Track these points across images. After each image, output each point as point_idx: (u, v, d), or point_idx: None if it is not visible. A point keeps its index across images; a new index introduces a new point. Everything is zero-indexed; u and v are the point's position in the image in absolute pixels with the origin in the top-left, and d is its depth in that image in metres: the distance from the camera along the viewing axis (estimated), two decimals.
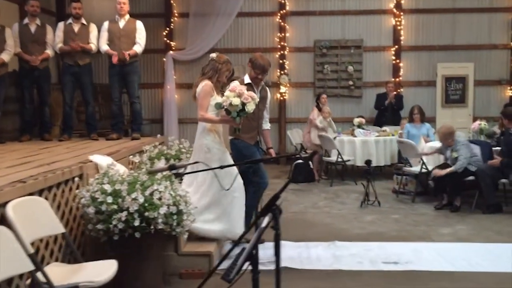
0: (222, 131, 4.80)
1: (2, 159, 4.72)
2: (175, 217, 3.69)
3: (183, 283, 4.20)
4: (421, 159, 7.19)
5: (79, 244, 3.97)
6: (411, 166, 7.62)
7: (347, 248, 5.09)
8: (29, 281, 2.85)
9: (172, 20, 11.17)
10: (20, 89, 6.94)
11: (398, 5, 11.00)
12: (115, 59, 6.64)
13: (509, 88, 11.08)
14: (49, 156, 4.96)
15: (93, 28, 6.99)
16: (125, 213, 3.50)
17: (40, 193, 3.43)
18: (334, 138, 8.71)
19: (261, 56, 5.18)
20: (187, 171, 4.05)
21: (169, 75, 11.03)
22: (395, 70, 11.13)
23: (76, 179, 3.94)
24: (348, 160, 8.68)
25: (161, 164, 4.76)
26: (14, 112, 7.02)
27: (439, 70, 11.04)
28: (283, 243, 5.09)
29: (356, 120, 9.41)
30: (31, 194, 3.28)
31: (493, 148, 7.11)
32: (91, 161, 4.32)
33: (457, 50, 11.06)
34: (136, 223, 3.51)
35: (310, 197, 7.71)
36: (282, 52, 11.16)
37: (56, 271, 3.07)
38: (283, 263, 4.49)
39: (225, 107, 4.36)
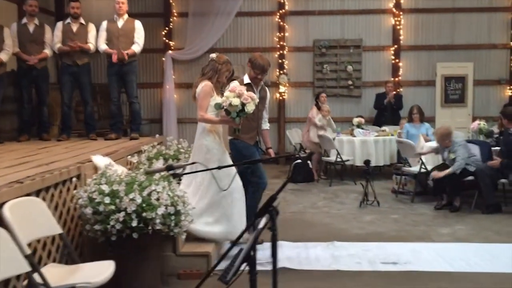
0: (222, 132, 4.79)
1: (0, 159, 4.71)
2: (173, 217, 3.69)
3: (181, 283, 4.19)
4: (420, 159, 7.18)
5: (77, 244, 3.96)
6: (410, 166, 7.61)
7: (346, 249, 5.08)
8: (26, 282, 2.84)
9: (171, 19, 11.16)
10: (18, 89, 6.93)
11: (397, 5, 10.99)
12: (114, 58, 6.63)
13: (508, 87, 11.08)
14: (47, 156, 4.95)
15: (91, 27, 6.98)
16: (122, 213, 3.49)
17: (37, 193, 3.43)
18: (333, 138, 8.70)
19: (261, 56, 5.17)
20: (185, 171, 4.04)
21: (168, 74, 11.02)
22: (395, 69, 11.12)
23: (74, 179, 3.93)
24: (347, 160, 8.67)
25: (159, 164, 4.74)
26: (13, 112, 7.02)
27: (438, 69, 11.04)
28: (281, 243, 5.15)
29: (355, 120, 9.39)
30: (28, 194, 3.27)
31: (492, 148, 7.10)
32: (89, 161, 4.30)
33: (456, 49, 11.05)
34: (134, 223, 3.50)
35: (309, 197, 7.70)
36: (281, 51, 11.14)
37: (53, 272, 3.06)
38: (281, 264, 4.53)
39: (225, 107, 4.35)
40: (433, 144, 7.38)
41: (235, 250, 2.32)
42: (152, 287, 3.89)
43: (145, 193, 3.58)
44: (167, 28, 11.13)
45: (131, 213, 3.50)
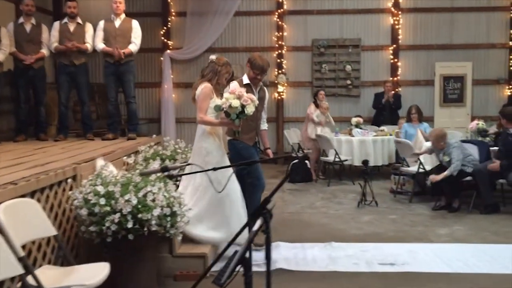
0: (221, 134, 4.77)
1: None
2: (168, 218, 3.67)
3: (178, 285, 4.17)
4: (418, 159, 7.17)
5: (72, 245, 3.94)
6: (408, 166, 7.60)
7: (343, 249, 5.06)
8: (19, 284, 2.82)
9: (169, 19, 11.15)
10: (15, 88, 6.89)
11: (396, 4, 10.98)
12: (115, 52, 6.57)
13: (507, 87, 11.07)
14: (44, 156, 4.93)
15: (88, 27, 6.95)
16: (118, 215, 3.47)
17: (32, 194, 3.40)
18: (335, 133, 8.65)
19: (260, 57, 5.15)
20: (181, 172, 4.01)
21: (167, 74, 11.01)
22: (393, 69, 11.10)
23: (69, 180, 3.90)
24: (346, 160, 8.65)
25: (155, 165, 4.72)
26: (9, 112, 6.98)
27: (437, 69, 11.03)
28: (279, 244, 5.14)
29: (354, 120, 9.38)
30: (23, 196, 3.25)
31: (491, 148, 7.08)
32: (86, 162, 4.28)
33: (455, 49, 11.04)
34: (129, 225, 3.48)
35: (307, 197, 7.68)
36: (279, 51, 11.13)
37: (47, 274, 3.05)
38: (278, 265, 4.53)
39: (225, 109, 4.33)
40: (429, 144, 7.36)
41: (231, 251, 2.31)
42: None
43: (140, 194, 3.56)
44: (165, 28, 11.12)
45: (127, 214, 3.48)
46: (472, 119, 9.38)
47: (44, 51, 6.85)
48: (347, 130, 9.36)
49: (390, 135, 8.92)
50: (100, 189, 3.55)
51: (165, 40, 11.11)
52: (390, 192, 7.85)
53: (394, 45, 11.05)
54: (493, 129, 7.88)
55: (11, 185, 3.24)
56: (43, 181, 3.54)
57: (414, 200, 7.25)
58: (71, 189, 3.89)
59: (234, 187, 4.60)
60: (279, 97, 11.15)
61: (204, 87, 4.58)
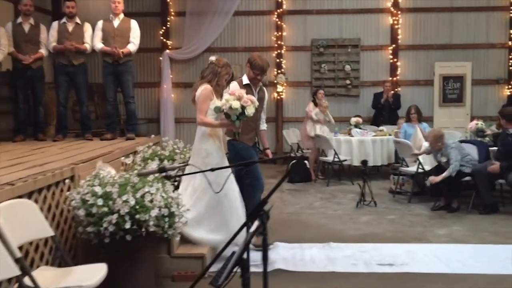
0: (222, 135, 4.76)
1: None
2: (166, 219, 3.65)
3: (176, 285, 4.16)
4: (417, 159, 7.16)
5: (70, 246, 3.93)
6: (407, 166, 7.59)
7: (342, 250, 5.05)
8: (17, 285, 2.81)
9: (168, 19, 11.14)
10: (14, 89, 6.89)
11: (395, 4, 10.97)
12: (115, 52, 6.56)
13: (506, 87, 11.06)
14: (42, 157, 4.92)
15: (87, 27, 6.94)
16: (116, 215, 3.45)
17: (29, 195, 3.39)
18: (334, 133, 8.63)
19: (260, 57, 5.14)
20: (178, 173, 4.01)
21: (166, 74, 11.00)
22: (393, 69, 11.10)
23: (67, 180, 3.90)
24: (345, 160, 8.64)
25: (153, 165, 4.71)
26: (8, 112, 6.98)
27: (436, 69, 11.02)
28: (277, 244, 5.13)
29: (353, 120, 9.36)
30: (20, 196, 3.24)
31: (490, 148, 7.07)
32: (83, 162, 4.28)
33: (454, 49, 11.04)
34: (127, 225, 3.46)
35: (306, 197, 7.67)
36: (279, 51, 11.12)
37: (44, 275, 3.04)
38: (276, 265, 4.52)
39: (225, 110, 4.32)
40: (427, 144, 7.35)
41: (229, 251, 2.30)
42: None
43: (138, 195, 3.54)
44: (164, 28, 11.11)
45: (124, 215, 3.46)
46: (472, 119, 9.37)
47: (43, 51, 6.84)
48: (346, 130, 9.35)
49: (390, 135, 8.91)
50: (98, 189, 3.54)
51: (164, 40, 11.11)
52: (389, 192, 7.85)
53: (394, 45, 11.05)
54: (491, 129, 7.86)
55: (8, 185, 3.23)
56: (40, 181, 3.53)
57: (413, 200, 7.24)
58: (69, 189, 3.88)
59: (232, 188, 4.59)
60: (278, 97, 11.14)
61: (204, 89, 4.56)
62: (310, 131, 9.06)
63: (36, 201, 3.41)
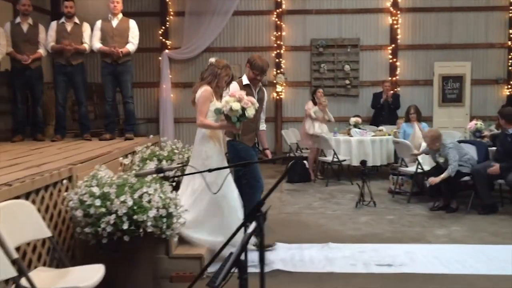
0: (222, 137, 4.75)
1: None
2: (164, 220, 3.65)
3: (174, 286, 4.15)
4: (417, 159, 7.15)
5: (68, 247, 3.92)
6: (407, 166, 7.58)
7: (341, 250, 5.05)
8: (13, 286, 2.80)
9: (167, 18, 11.13)
10: (12, 89, 6.88)
11: (395, 4, 10.97)
12: (113, 51, 6.55)
13: (506, 87, 11.05)
14: (40, 157, 4.91)
15: (86, 27, 6.92)
16: (113, 216, 3.45)
17: (27, 196, 3.38)
18: (334, 133, 8.61)
19: (259, 57, 5.14)
20: (177, 174, 4.00)
21: (165, 74, 10.99)
22: (392, 69, 11.09)
23: (65, 181, 3.89)
24: (344, 160, 8.63)
25: (152, 166, 4.70)
26: (6, 112, 6.96)
27: (436, 69, 11.02)
28: (276, 244, 5.11)
29: (352, 120, 9.35)
30: (17, 197, 3.23)
31: (489, 148, 7.06)
32: (81, 163, 4.27)
33: (454, 49, 11.03)
34: (125, 226, 3.46)
35: (305, 197, 7.67)
36: (278, 51, 11.11)
37: (42, 276, 3.03)
38: (275, 266, 4.52)
39: (225, 112, 4.31)
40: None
41: (227, 252, 2.30)
42: None
43: (136, 195, 3.54)
44: (163, 27, 11.10)
45: (122, 215, 3.46)
46: (471, 119, 9.37)
47: (41, 51, 6.83)
48: (345, 130, 9.34)
49: (389, 135, 8.91)
50: (96, 190, 3.53)
51: (163, 39, 11.09)
52: (388, 192, 7.84)
53: (393, 45, 11.04)
54: (489, 130, 7.85)
55: (6, 186, 3.22)
56: (38, 182, 3.52)
57: (412, 200, 7.24)
58: (66, 190, 3.87)
59: (231, 189, 4.58)
60: (277, 97, 11.13)
61: (204, 90, 4.55)
62: (309, 129, 9.04)
63: (33, 202, 3.40)
